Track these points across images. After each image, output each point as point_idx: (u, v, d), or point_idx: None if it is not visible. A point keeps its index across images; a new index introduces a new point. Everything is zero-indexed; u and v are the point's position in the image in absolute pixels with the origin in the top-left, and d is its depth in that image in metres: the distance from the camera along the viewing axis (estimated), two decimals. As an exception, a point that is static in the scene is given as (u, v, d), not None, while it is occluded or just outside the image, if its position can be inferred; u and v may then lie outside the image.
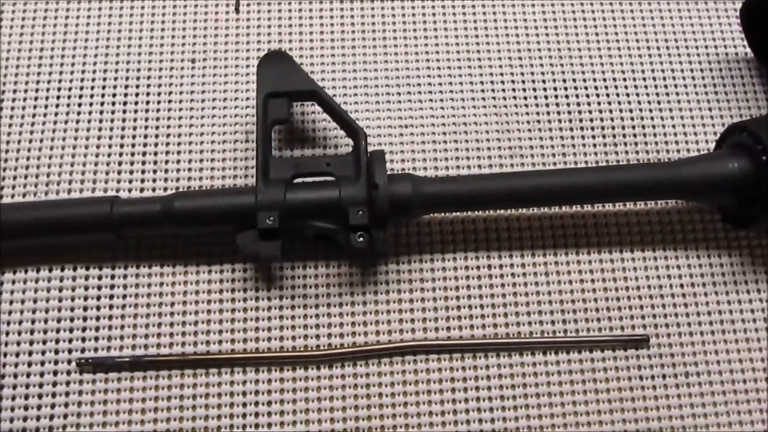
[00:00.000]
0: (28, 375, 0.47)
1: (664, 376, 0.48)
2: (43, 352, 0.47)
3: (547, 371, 0.48)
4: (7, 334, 0.48)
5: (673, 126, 0.55)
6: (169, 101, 0.54)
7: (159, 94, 0.55)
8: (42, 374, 0.47)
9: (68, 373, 0.47)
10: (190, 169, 0.52)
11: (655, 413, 0.47)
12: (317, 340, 0.48)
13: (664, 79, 0.57)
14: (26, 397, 0.46)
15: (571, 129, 0.55)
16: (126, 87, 0.55)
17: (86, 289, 0.49)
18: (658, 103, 0.56)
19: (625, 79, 0.57)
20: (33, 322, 0.48)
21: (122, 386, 0.47)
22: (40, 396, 0.46)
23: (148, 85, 0.55)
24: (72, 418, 0.46)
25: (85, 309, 0.48)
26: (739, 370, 0.49)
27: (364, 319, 0.49)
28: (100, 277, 0.49)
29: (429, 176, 0.51)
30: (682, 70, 0.58)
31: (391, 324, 0.49)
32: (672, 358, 0.49)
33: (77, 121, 0.53)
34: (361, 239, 0.46)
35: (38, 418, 0.46)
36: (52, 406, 0.46)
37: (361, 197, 0.46)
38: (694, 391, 0.48)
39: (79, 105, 0.54)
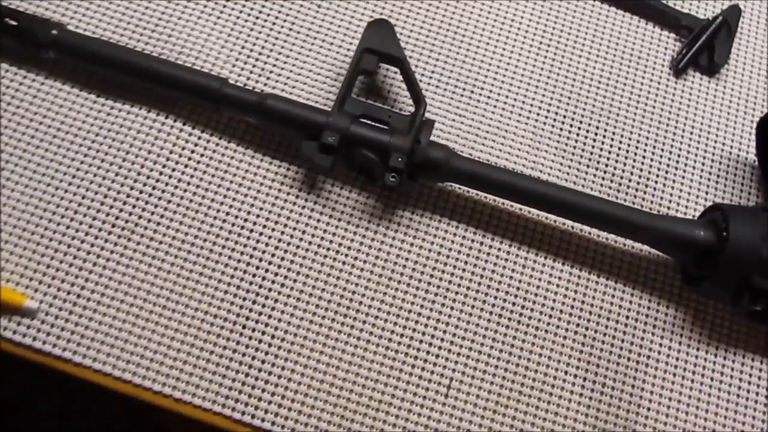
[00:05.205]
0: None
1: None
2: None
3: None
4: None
5: (671, 195, 0.64)
6: (291, 28, 0.66)
7: (285, 20, 0.67)
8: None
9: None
10: (285, 84, 0.64)
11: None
12: (328, 243, 0.60)
13: (679, 155, 0.66)
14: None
15: (588, 166, 0.65)
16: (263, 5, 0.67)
17: (159, 132, 0.61)
18: (666, 173, 0.65)
19: (646, 144, 0.66)
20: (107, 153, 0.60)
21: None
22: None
23: (279, 11, 0.67)
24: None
25: (149, 152, 0.61)
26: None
27: (370, 244, 0.60)
28: (171, 127, 0.61)
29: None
30: (696, 155, 0.66)
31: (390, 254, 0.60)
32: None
33: (218, 16, 0.66)
34: (393, 179, 0.57)
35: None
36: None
37: (405, 147, 0.57)
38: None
39: (224, 6, 0.67)
